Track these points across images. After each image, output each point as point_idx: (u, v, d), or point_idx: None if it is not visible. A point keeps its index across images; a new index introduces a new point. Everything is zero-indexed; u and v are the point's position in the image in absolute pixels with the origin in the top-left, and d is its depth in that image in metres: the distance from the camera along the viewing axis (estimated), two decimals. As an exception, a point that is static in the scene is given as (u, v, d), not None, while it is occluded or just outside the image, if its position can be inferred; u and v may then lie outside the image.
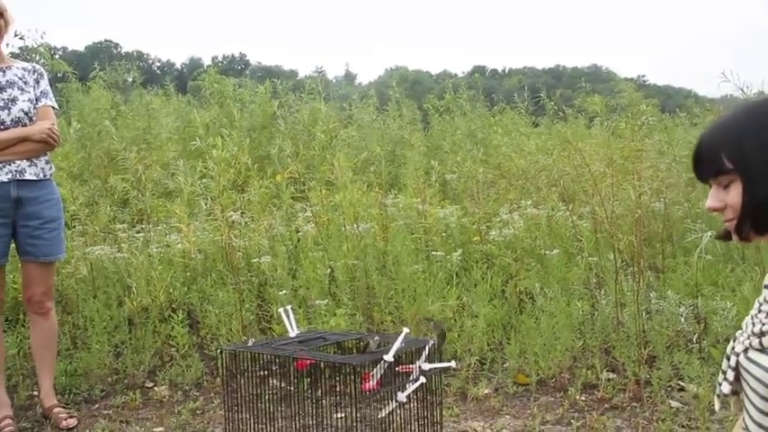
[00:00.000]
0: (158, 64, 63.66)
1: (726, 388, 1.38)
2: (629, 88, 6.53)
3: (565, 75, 59.64)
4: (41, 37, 7.60)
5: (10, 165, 3.19)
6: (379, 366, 2.20)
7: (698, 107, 7.94)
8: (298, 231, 5.06)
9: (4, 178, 3.18)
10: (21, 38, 7.47)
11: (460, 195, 5.96)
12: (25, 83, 3.33)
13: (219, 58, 67.52)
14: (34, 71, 3.41)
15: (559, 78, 53.62)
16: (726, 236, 1.35)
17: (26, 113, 3.28)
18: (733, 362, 1.36)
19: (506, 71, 62.86)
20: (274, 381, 2.67)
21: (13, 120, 3.23)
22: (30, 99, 3.31)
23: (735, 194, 1.28)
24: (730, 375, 1.37)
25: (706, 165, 1.32)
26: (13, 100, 3.26)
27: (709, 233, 3.92)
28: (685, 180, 5.01)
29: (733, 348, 1.37)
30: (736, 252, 4.52)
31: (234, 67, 62.76)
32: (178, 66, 64.17)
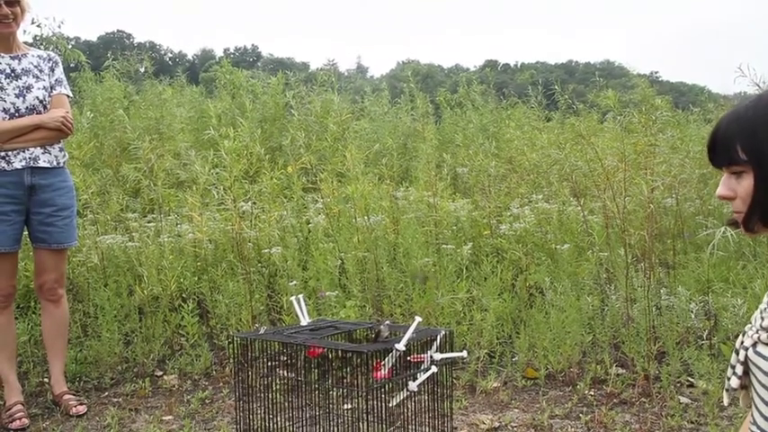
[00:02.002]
0: (170, 55, 63.78)
1: (734, 382, 1.38)
2: (642, 84, 6.50)
3: (577, 70, 59.37)
4: (59, 27, 7.66)
5: (24, 152, 3.21)
6: (390, 355, 2.20)
7: (712, 103, 7.90)
8: (308, 223, 5.06)
9: (19, 165, 3.19)
10: (38, 25, 7.53)
11: (471, 189, 5.95)
12: (40, 71, 3.35)
13: (231, 50, 67.65)
14: (49, 59, 3.42)
15: (572, 74, 53.39)
16: (735, 224, 1.35)
17: (41, 101, 3.29)
18: (742, 356, 1.36)
19: (518, 66, 62.53)
20: (283, 371, 2.68)
21: (27, 107, 3.25)
22: (45, 87, 3.33)
23: (746, 186, 1.27)
24: (739, 369, 1.36)
25: (720, 153, 1.31)
26: (29, 88, 3.27)
27: (722, 229, 3.90)
28: (698, 176, 4.99)
29: (742, 343, 1.37)
30: (748, 249, 4.50)
31: (246, 58, 62.81)
32: (190, 57, 64.26)
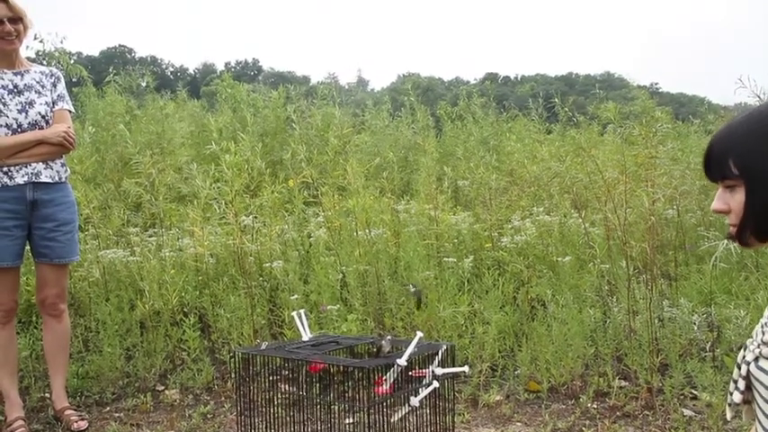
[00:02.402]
0: (172, 69, 64.03)
1: (737, 397, 1.37)
2: (642, 95, 6.51)
3: (577, 82, 59.52)
4: (61, 42, 7.73)
5: (26, 167, 3.22)
6: (392, 370, 2.20)
7: (712, 114, 7.91)
8: (310, 236, 5.07)
9: (21, 180, 3.20)
10: (40, 41, 7.59)
11: (473, 202, 5.96)
12: (43, 86, 3.37)
13: (232, 64, 67.90)
14: (51, 75, 3.44)
15: (572, 85, 53.51)
16: (733, 237, 1.37)
17: (43, 117, 3.31)
18: (744, 371, 1.35)
19: (518, 78, 62.78)
20: (285, 385, 2.68)
21: (30, 123, 3.26)
22: (47, 102, 3.34)
23: (739, 199, 1.30)
24: (741, 384, 1.36)
25: (714, 168, 1.33)
26: (31, 103, 3.29)
27: (724, 241, 3.90)
28: (699, 187, 4.99)
29: (744, 357, 1.36)
30: (750, 260, 4.50)
31: (247, 72, 63.03)
32: (191, 71, 64.51)
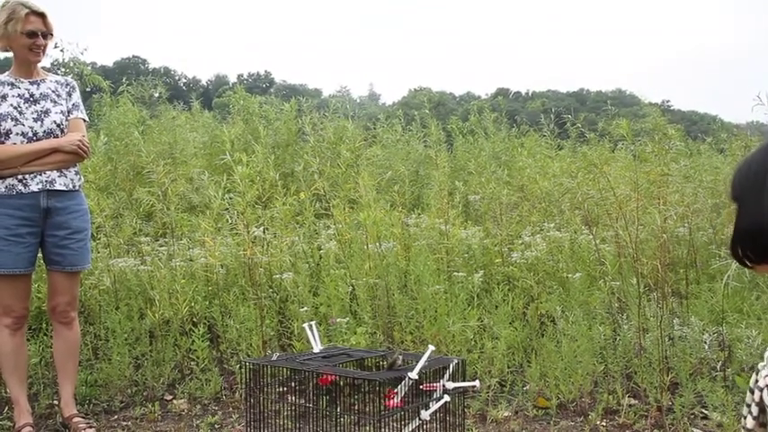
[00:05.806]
0: (184, 80, 64.31)
1: (749, 422, 1.37)
2: (654, 112, 6.50)
3: (588, 98, 59.35)
4: (82, 53, 7.84)
5: (41, 175, 3.25)
6: (403, 384, 2.20)
7: (724, 132, 7.89)
8: (320, 249, 5.07)
9: (35, 188, 3.23)
10: (61, 50, 7.70)
11: (483, 216, 5.95)
12: (58, 95, 3.40)
13: (245, 76, 68.15)
14: (67, 84, 3.48)
15: (583, 102, 53.40)
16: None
17: (58, 125, 3.34)
18: (757, 396, 1.35)
19: (530, 94, 62.64)
20: (293, 397, 2.67)
21: (45, 131, 3.29)
22: (62, 111, 3.38)
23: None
24: (754, 410, 1.36)
25: (731, 189, 1.38)
26: (46, 112, 3.32)
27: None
28: (710, 206, 4.97)
29: (756, 382, 1.36)
30: (763, 280, 4.47)
31: (259, 84, 63.25)
32: (204, 82, 64.77)
